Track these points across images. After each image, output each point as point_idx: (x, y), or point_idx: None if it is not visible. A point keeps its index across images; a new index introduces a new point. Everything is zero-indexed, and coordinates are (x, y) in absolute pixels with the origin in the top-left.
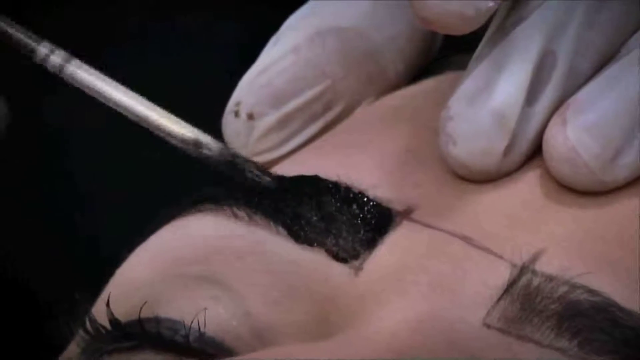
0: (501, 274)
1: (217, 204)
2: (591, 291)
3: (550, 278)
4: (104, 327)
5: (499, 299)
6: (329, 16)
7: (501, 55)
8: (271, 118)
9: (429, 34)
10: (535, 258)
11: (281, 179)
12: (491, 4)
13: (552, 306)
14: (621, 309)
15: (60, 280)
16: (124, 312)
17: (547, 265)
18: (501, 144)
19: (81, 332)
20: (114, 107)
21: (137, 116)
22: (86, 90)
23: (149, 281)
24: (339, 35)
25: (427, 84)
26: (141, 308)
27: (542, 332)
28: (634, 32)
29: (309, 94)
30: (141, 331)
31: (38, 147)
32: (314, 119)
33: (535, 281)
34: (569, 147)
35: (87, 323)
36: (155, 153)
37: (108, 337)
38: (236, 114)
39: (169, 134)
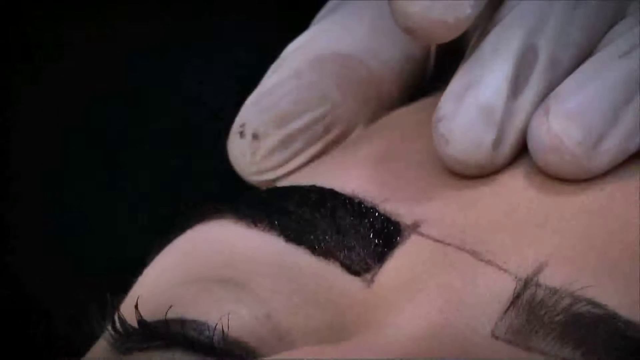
0: (507, 287)
1: (238, 214)
2: (593, 303)
3: (553, 291)
4: (132, 327)
5: (506, 312)
6: (329, 43)
7: (484, 53)
8: (275, 138)
9: (423, 58)
10: (538, 271)
11: (297, 189)
12: (469, 11)
13: (556, 318)
14: (624, 321)
15: (74, 283)
16: (150, 314)
17: (551, 278)
18: (489, 137)
19: (110, 330)
20: None
21: None
22: None
23: (173, 284)
24: (338, 61)
25: (426, 102)
26: (167, 311)
27: (547, 343)
28: (610, 26)
29: (311, 115)
30: (167, 331)
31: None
32: (315, 139)
33: (539, 294)
34: (552, 135)
35: (117, 322)
36: (174, 158)
37: (136, 336)
38: (241, 134)
39: None
